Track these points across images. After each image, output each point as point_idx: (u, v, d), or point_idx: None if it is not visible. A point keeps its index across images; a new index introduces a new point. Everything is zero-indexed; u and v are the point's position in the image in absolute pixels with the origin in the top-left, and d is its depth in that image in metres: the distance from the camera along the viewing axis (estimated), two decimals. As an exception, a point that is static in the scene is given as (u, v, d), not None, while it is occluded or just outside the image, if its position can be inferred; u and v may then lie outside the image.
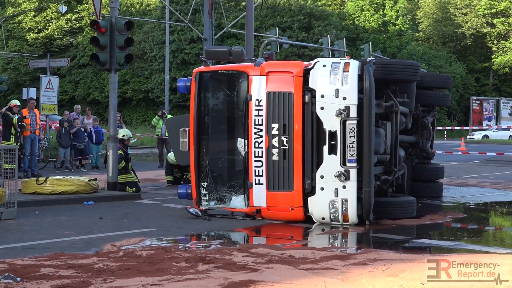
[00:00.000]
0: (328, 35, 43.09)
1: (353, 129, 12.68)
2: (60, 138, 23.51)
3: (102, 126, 29.53)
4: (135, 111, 64.20)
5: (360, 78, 12.86)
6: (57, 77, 28.85)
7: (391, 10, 68.13)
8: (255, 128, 13.19)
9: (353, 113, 12.68)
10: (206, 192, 13.68)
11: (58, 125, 26.65)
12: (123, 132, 18.40)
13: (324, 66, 13.05)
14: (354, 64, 12.99)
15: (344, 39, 47.36)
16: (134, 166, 18.81)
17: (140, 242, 10.90)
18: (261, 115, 13.16)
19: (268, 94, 13.16)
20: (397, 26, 67.75)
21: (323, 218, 12.93)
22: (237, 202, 13.53)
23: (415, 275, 8.30)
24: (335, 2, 73.53)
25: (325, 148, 12.85)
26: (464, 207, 16.22)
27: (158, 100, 58.74)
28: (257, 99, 13.20)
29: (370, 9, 68.33)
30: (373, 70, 13.13)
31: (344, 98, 12.67)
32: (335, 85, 12.76)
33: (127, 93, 62.36)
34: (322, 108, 12.84)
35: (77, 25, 65.96)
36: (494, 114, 66.10)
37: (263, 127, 13.14)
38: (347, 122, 12.68)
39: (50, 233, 11.71)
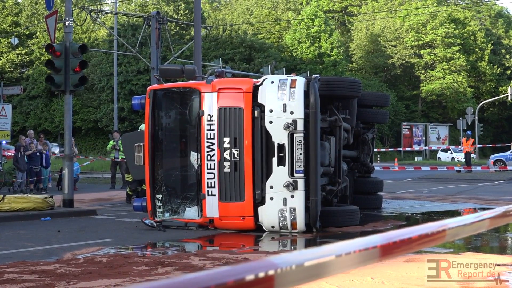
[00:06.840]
0: (269, 65, 43.28)
1: (300, 141, 12.72)
2: (17, 162, 23.08)
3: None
4: (84, 140, 63.45)
5: (306, 94, 12.92)
6: (10, 104, 28.35)
7: (326, 43, 68.95)
8: (207, 142, 13.13)
9: (300, 126, 12.72)
10: (161, 204, 13.53)
11: (8, 153, 26.22)
12: None
13: (272, 82, 13.10)
14: (301, 81, 13.07)
15: (284, 69, 47.65)
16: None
17: (99, 251, 10.75)
18: (213, 130, 13.11)
19: (220, 109, 13.13)
20: (332, 57, 68.56)
21: (273, 227, 12.91)
22: (190, 213, 13.41)
23: (365, 272, 8.32)
24: (273, 35, 74.21)
25: (274, 160, 12.86)
26: (404, 216, 16.40)
27: (106, 129, 58.17)
28: (209, 115, 13.15)
29: (306, 41, 69.04)
30: (318, 87, 13.23)
31: (292, 113, 12.73)
32: (283, 100, 12.81)
33: (77, 123, 61.51)
34: (271, 122, 12.86)
35: (27, 58, 65.12)
36: (424, 138, 67.19)
37: (215, 141, 13.08)
38: (295, 135, 12.72)
39: (10, 245, 11.44)
